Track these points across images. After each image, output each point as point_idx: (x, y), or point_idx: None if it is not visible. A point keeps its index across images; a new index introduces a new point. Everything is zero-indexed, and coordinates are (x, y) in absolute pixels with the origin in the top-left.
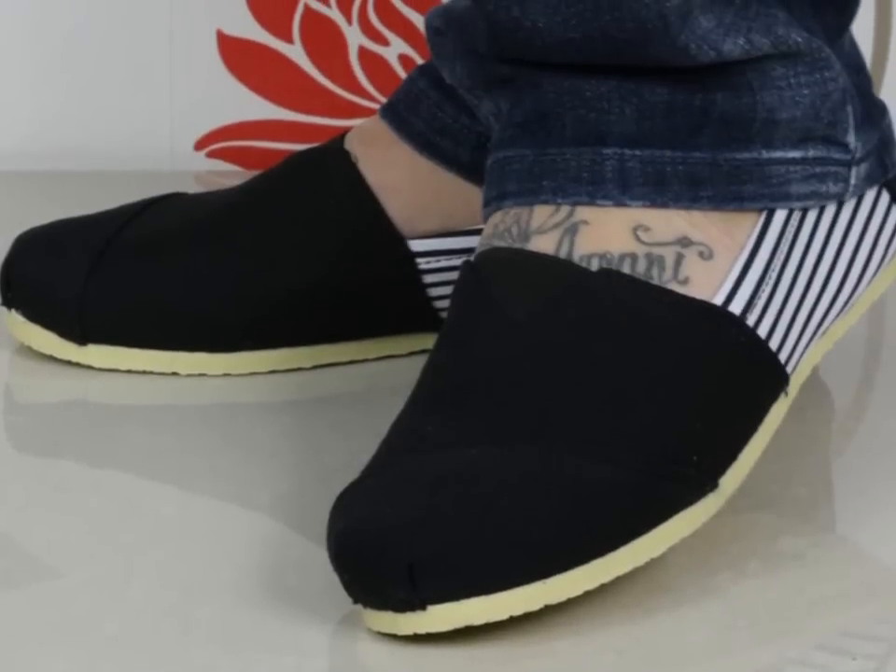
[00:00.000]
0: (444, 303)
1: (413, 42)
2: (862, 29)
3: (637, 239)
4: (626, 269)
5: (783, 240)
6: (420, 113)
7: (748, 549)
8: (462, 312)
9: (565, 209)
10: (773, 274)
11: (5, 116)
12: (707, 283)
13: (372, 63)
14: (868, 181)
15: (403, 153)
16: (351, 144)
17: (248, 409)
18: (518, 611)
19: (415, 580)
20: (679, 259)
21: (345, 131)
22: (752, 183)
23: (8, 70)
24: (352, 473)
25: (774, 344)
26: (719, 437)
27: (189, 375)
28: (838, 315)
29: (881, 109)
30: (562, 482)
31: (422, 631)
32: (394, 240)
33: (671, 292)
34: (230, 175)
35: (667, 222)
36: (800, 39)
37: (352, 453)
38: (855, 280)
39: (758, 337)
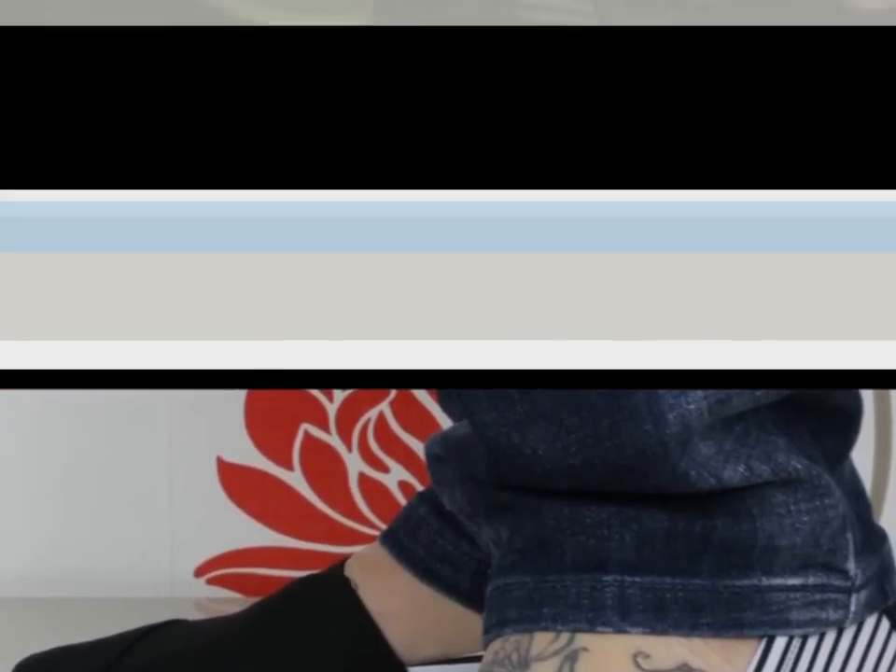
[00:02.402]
0: None
1: (412, 469)
2: (862, 455)
3: (638, 666)
4: None
5: (783, 667)
6: (420, 539)
7: None
8: None
9: (565, 636)
10: None
11: (5, 542)
12: None
13: (373, 489)
14: (868, 608)
15: (403, 580)
16: (351, 570)
17: None
18: None
19: None
20: None
21: (346, 557)
22: (752, 610)
23: (9, 497)
24: None
25: None
26: None
27: None
28: None
29: (881, 536)
30: None
31: None
32: (394, 667)
33: None
34: (230, 602)
35: (667, 649)
36: (800, 466)
37: None
38: None
39: None
